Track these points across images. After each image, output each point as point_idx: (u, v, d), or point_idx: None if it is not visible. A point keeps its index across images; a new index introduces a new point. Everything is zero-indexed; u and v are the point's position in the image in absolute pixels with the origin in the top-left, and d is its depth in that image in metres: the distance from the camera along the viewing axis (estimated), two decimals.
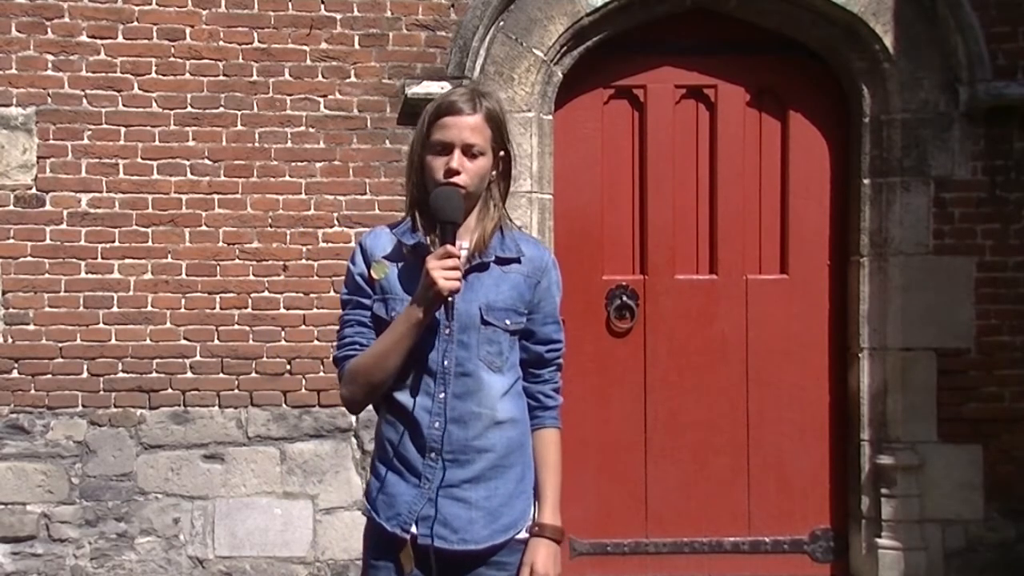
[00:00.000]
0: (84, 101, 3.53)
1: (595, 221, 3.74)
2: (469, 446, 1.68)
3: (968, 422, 3.55)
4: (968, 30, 3.52)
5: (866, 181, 3.62)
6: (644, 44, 3.69)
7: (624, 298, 3.74)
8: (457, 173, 1.65)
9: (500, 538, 1.70)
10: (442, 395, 1.68)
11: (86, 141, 3.54)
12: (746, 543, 3.72)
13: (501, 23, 3.58)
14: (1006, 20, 3.57)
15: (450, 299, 1.63)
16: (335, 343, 1.76)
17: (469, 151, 1.67)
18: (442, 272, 1.59)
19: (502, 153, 1.73)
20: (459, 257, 1.63)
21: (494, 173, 1.72)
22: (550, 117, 3.66)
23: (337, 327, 1.77)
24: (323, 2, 3.58)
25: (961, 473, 3.53)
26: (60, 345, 3.53)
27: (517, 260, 1.72)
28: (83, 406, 3.53)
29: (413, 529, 1.68)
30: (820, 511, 3.72)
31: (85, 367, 3.54)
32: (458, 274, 1.61)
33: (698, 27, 3.70)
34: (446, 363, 1.68)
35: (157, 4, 3.53)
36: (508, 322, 1.70)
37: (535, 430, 1.76)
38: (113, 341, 3.54)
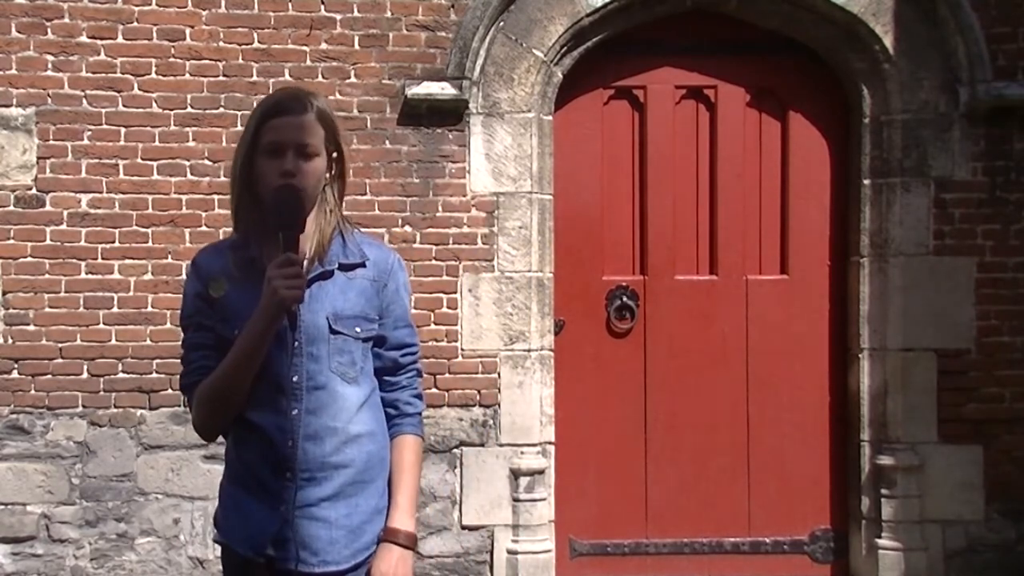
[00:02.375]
0: (84, 101, 3.53)
1: (595, 222, 3.74)
2: (326, 463, 1.60)
3: (968, 422, 3.54)
4: (968, 31, 3.51)
5: (866, 182, 3.62)
6: (644, 44, 3.69)
7: (624, 299, 3.73)
8: (292, 175, 1.58)
9: (363, 556, 1.62)
10: (295, 411, 1.60)
11: (86, 141, 3.53)
12: (746, 543, 3.71)
13: (501, 23, 3.58)
14: (1006, 21, 3.56)
15: (294, 309, 1.55)
16: (182, 370, 1.69)
17: (303, 151, 1.60)
18: (284, 281, 1.51)
19: (335, 154, 1.66)
20: (302, 264, 1.55)
21: (328, 175, 1.65)
22: (550, 117, 3.65)
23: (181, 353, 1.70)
24: (323, 2, 3.58)
25: (961, 473, 3.53)
26: (60, 345, 3.53)
27: (362, 264, 1.65)
28: (83, 406, 3.53)
29: (269, 551, 1.60)
30: (820, 511, 3.71)
31: (85, 367, 3.53)
32: (301, 282, 1.53)
33: (698, 27, 3.70)
34: (296, 378, 1.60)
35: (157, 4, 3.53)
36: (358, 329, 1.63)
37: (393, 438, 1.68)
38: (113, 341, 3.54)
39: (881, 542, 3.55)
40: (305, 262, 1.60)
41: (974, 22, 3.51)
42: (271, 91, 3.53)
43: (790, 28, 3.68)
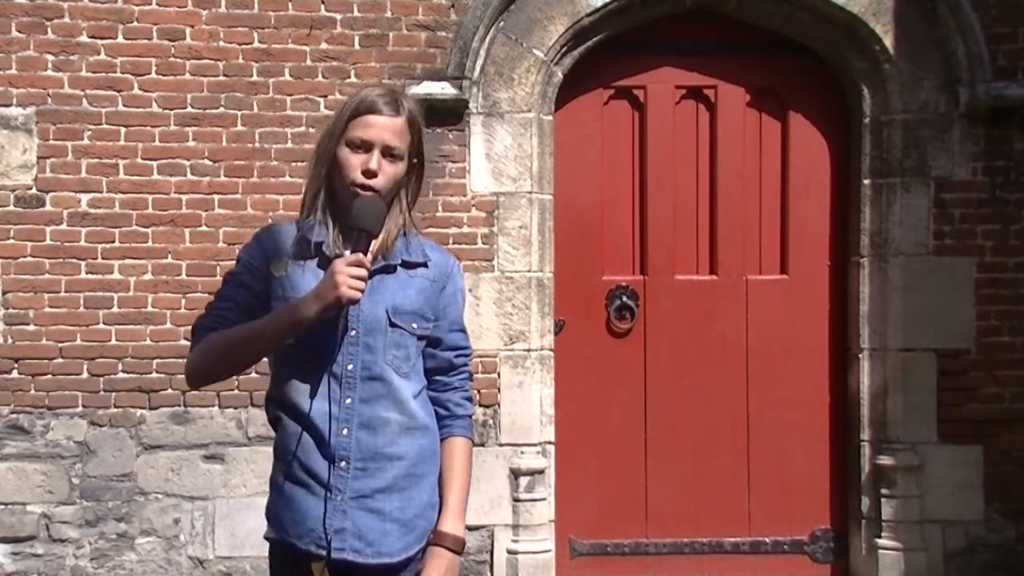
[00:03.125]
0: (84, 101, 3.53)
1: (595, 221, 3.74)
2: (379, 453, 1.61)
3: (968, 423, 3.54)
4: (968, 31, 3.51)
5: (866, 182, 3.61)
6: (644, 44, 3.69)
7: (624, 298, 3.73)
8: (375, 175, 1.60)
9: (414, 550, 1.63)
10: (348, 400, 1.60)
11: (86, 141, 3.53)
12: (746, 543, 3.71)
13: (501, 23, 3.58)
14: (1006, 21, 3.56)
15: (345, 309, 1.56)
16: (202, 312, 1.68)
17: (389, 153, 1.61)
18: (348, 279, 1.52)
19: (415, 160, 1.68)
20: (368, 268, 1.55)
21: (405, 178, 1.67)
22: (550, 117, 3.65)
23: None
24: (323, 2, 3.58)
25: (961, 473, 3.52)
26: (60, 345, 3.53)
27: (424, 264, 1.67)
28: (83, 406, 3.53)
29: (325, 543, 1.59)
30: (820, 511, 3.71)
31: (85, 367, 3.53)
32: (363, 284, 1.54)
33: (698, 27, 3.70)
34: (351, 367, 1.60)
35: (157, 4, 3.53)
36: (415, 325, 1.64)
37: (443, 439, 1.68)
38: (113, 341, 3.54)
39: (881, 542, 3.55)
40: (368, 258, 1.62)
41: (974, 22, 3.51)
42: (271, 91, 3.58)
43: (790, 28, 3.68)
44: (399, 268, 1.66)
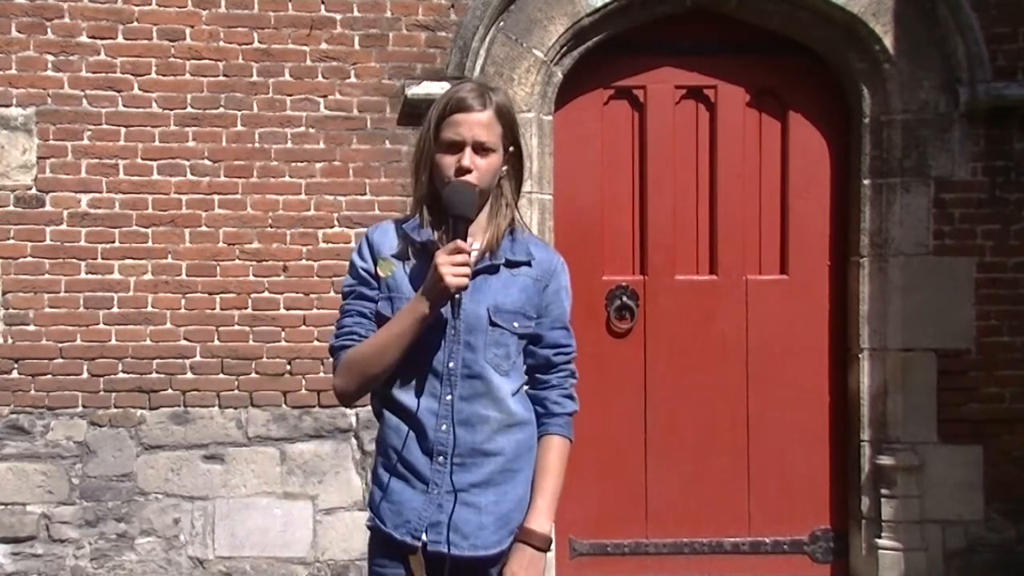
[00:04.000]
0: (84, 101, 3.52)
1: (595, 221, 3.73)
2: (477, 450, 1.65)
3: (968, 423, 3.54)
4: (968, 31, 3.51)
5: (866, 182, 3.61)
6: (644, 44, 3.68)
7: (624, 298, 3.73)
8: (468, 171, 1.62)
9: (507, 542, 1.66)
10: (448, 397, 1.64)
11: (86, 141, 3.53)
12: (746, 543, 3.71)
13: (501, 23, 3.57)
14: (1006, 21, 3.56)
15: (457, 296, 1.59)
16: (334, 332, 1.73)
17: (480, 148, 1.63)
18: (451, 268, 1.54)
19: (512, 148, 1.69)
20: (469, 254, 1.58)
21: (504, 169, 1.69)
22: (550, 117, 3.65)
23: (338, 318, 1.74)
24: (323, 2, 3.58)
25: (961, 473, 3.52)
26: (60, 345, 3.53)
27: (527, 263, 1.69)
28: (83, 406, 3.52)
29: (424, 536, 1.65)
30: (820, 511, 3.71)
31: (85, 367, 3.53)
32: (467, 271, 1.56)
33: (698, 27, 3.69)
34: (452, 364, 1.64)
35: (157, 4, 3.53)
36: (516, 324, 1.67)
37: (540, 436, 1.71)
38: (113, 341, 3.53)
39: (881, 542, 3.55)
40: (474, 252, 1.64)
41: (974, 22, 3.50)
42: (271, 91, 3.58)
43: (790, 28, 3.68)
44: (502, 267, 1.67)
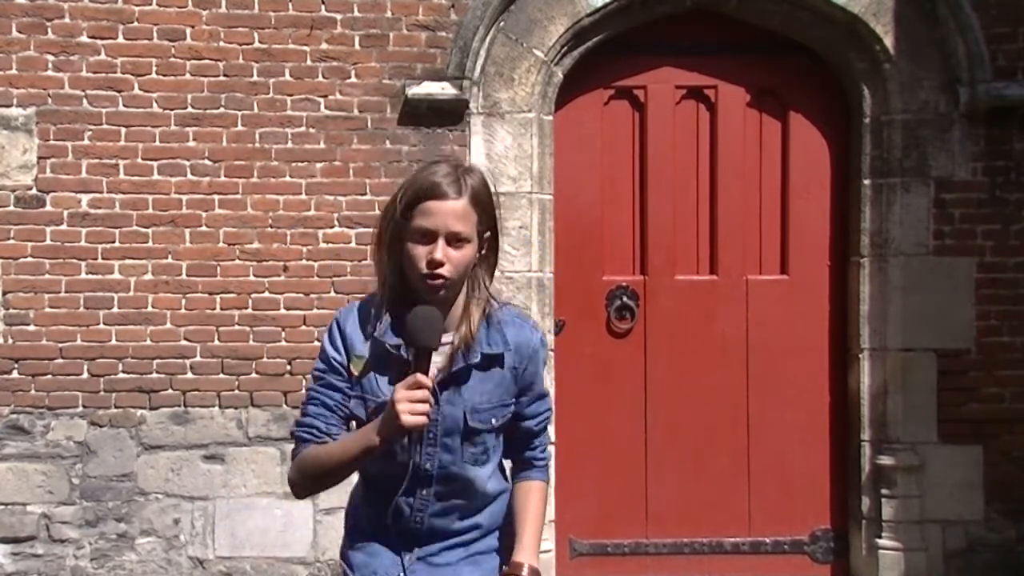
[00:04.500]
0: (84, 101, 3.52)
1: (595, 221, 3.73)
2: (450, 530, 1.65)
3: (968, 423, 3.53)
4: (968, 31, 3.50)
5: (866, 182, 3.61)
6: (644, 44, 3.68)
7: (624, 299, 3.73)
8: (441, 264, 1.54)
9: None
10: (424, 492, 1.62)
11: (86, 141, 3.52)
12: (746, 544, 3.71)
13: (501, 23, 3.57)
14: (1006, 21, 3.55)
15: (414, 434, 1.55)
16: (297, 416, 1.69)
17: (455, 239, 1.55)
18: (409, 406, 1.47)
19: (487, 234, 1.61)
20: (431, 388, 1.51)
21: (479, 253, 1.60)
22: (550, 117, 3.65)
23: (308, 389, 1.67)
24: (323, 2, 3.57)
25: (961, 473, 3.52)
26: (60, 345, 3.52)
27: (504, 353, 1.63)
28: (83, 406, 3.52)
29: None
30: (820, 511, 3.71)
31: (85, 367, 3.52)
32: (426, 407, 1.49)
33: (698, 27, 3.69)
34: (428, 466, 1.61)
35: (157, 4, 3.52)
36: (494, 421, 1.63)
37: (521, 482, 1.69)
38: (113, 341, 3.53)
39: (881, 542, 3.54)
40: (447, 349, 1.57)
41: (974, 22, 3.50)
42: (271, 91, 3.58)
43: (790, 28, 3.68)
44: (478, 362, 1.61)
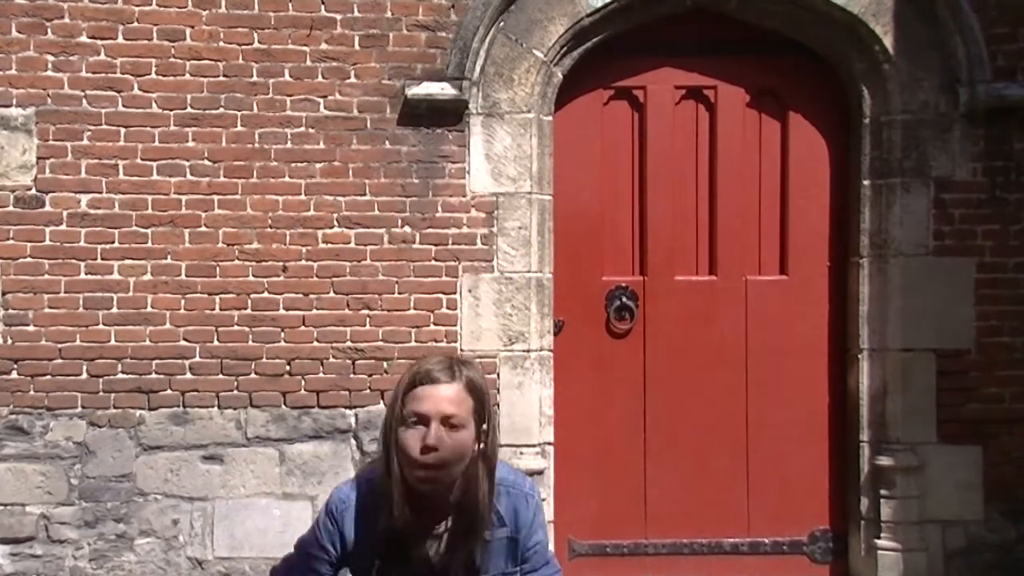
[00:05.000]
0: (84, 101, 3.51)
1: (595, 222, 3.72)
2: None
3: (968, 423, 3.52)
4: (967, 31, 3.49)
5: (866, 182, 3.60)
6: (644, 44, 3.67)
7: (624, 299, 3.72)
8: (435, 449, 1.50)
9: None
10: None
11: (86, 142, 3.51)
12: (745, 544, 3.70)
13: (501, 24, 3.56)
14: (1005, 21, 3.54)
15: None
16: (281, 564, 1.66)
17: (448, 422, 1.51)
18: None
19: (484, 427, 1.57)
20: None
21: (478, 447, 1.56)
22: (550, 118, 3.64)
23: (291, 554, 1.66)
24: (323, 3, 3.56)
25: (961, 474, 3.50)
26: (59, 346, 3.51)
27: (502, 525, 1.61)
28: (82, 407, 3.51)
29: None
30: (819, 512, 3.70)
31: (84, 368, 3.51)
32: None
33: (698, 27, 3.68)
34: None
35: (157, 4, 3.52)
36: None
37: None
38: (112, 342, 3.52)
39: (880, 542, 3.53)
40: (442, 532, 1.54)
41: (973, 23, 3.48)
42: (271, 91, 3.57)
43: (790, 28, 3.67)
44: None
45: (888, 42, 3.54)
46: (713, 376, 3.70)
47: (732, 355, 3.71)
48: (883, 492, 3.52)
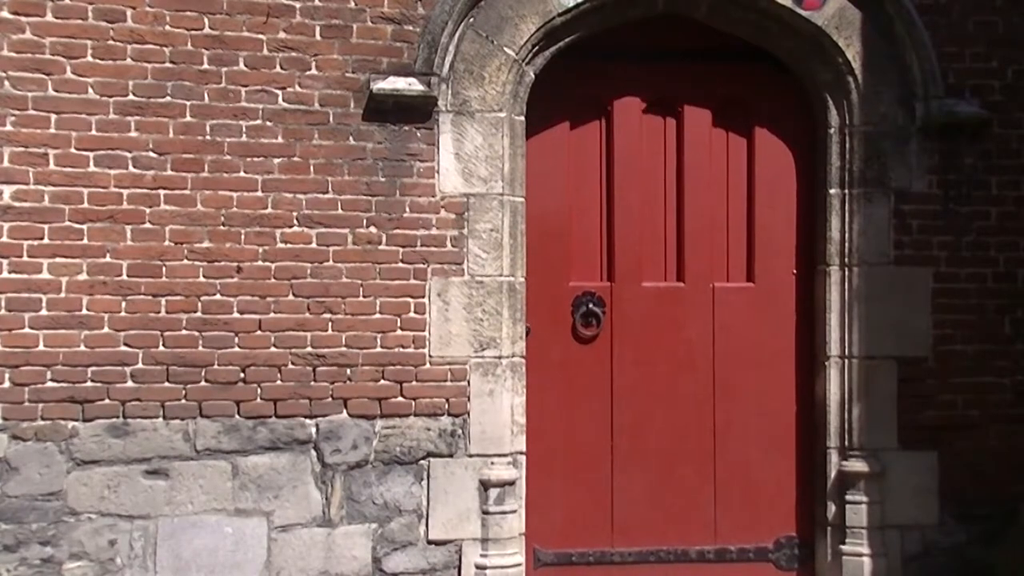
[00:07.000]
0: (6, 84, 2.92)
1: (562, 227, 3.38)
2: None
3: (925, 429, 3.34)
4: (921, 48, 3.32)
5: (832, 191, 3.37)
6: (613, 51, 3.36)
7: (590, 305, 3.38)
8: None
9: None
10: None
11: (9, 128, 2.93)
12: (711, 551, 3.40)
13: (471, 20, 3.16)
14: (954, 41, 3.38)
15: None
16: None
17: None
18: None
19: None
20: None
21: None
22: (522, 118, 3.25)
23: None
24: None
25: (919, 479, 3.32)
26: None
27: None
28: (4, 419, 2.92)
29: None
30: (786, 519, 3.44)
31: (7, 376, 2.93)
32: None
33: (668, 34, 3.39)
34: None
35: None
36: None
37: None
38: (41, 347, 2.95)
39: (844, 548, 3.30)
40: None
41: (927, 40, 3.31)
42: (223, 81, 3.05)
43: (759, 38, 3.41)
44: None
45: (851, 55, 3.33)
46: (680, 383, 3.40)
47: (699, 362, 3.42)
48: (848, 498, 3.29)
